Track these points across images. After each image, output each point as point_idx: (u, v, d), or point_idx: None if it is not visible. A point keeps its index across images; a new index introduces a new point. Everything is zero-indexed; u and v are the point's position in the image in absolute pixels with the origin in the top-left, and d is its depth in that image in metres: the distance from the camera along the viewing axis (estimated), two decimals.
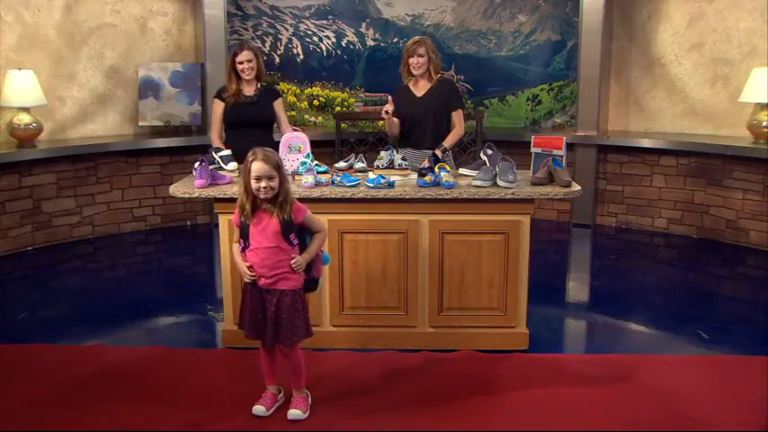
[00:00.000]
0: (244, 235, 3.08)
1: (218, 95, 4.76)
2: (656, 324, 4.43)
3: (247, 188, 3.03)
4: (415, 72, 4.56)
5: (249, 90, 4.70)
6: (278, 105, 4.81)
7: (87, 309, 4.70)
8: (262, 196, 3.01)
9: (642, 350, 4.02)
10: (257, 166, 2.97)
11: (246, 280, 3.11)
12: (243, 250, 3.10)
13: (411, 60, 4.53)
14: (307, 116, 7.15)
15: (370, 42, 7.20)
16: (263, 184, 2.97)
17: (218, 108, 4.74)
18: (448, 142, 4.54)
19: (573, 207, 6.74)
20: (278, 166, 3.01)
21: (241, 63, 4.62)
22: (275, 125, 4.86)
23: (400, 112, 4.62)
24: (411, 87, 4.66)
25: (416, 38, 4.62)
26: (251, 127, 4.60)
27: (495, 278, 3.84)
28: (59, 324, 4.43)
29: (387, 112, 4.46)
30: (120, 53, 6.50)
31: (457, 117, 4.65)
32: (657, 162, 6.40)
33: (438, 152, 4.40)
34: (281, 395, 3.29)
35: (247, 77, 4.65)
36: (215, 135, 4.79)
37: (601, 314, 4.66)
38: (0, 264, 5.54)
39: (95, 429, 3.10)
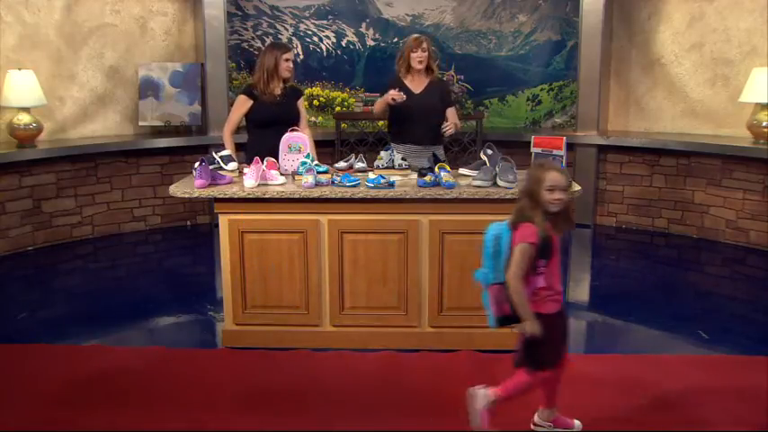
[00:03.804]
0: (546, 254, 2.83)
1: (249, 93, 4.66)
2: (656, 324, 4.43)
3: (536, 199, 2.81)
4: (417, 66, 4.63)
5: (276, 89, 4.69)
6: (301, 104, 4.83)
7: (87, 309, 4.69)
8: (554, 209, 2.81)
9: (642, 350, 4.03)
10: (554, 176, 2.80)
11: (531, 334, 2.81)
12: (544, 267, 2.83)
13: (413, 55, 4.62)
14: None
15: (370, 42, 7.20)
16: (556, 195, 2.80)
17: (244, 104, 4.65)
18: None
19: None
20: (569, 179, 2.89)
21: (288, 60, 4.62)
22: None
23: (397, 105, 4.64)
24: (407, 83, 4.70)
25: (416, 34, 4.74)
26: (278, 126, 4.54)
27: None
28: (59, 324, 4.42)
29: (394, 99, 4.50)
30: (120, 53, 6.50)
31: (451, 112, 4.76)
32: (657, 162, 6.40)
33: (451, 122, 4.52)
34: None
35: (288, 75, 4.66)
36: (228, 130, 4.72)
37: (601, 314, 4.67)
38: (0, 264, 5.54)
39: (95, 429, 3.10)
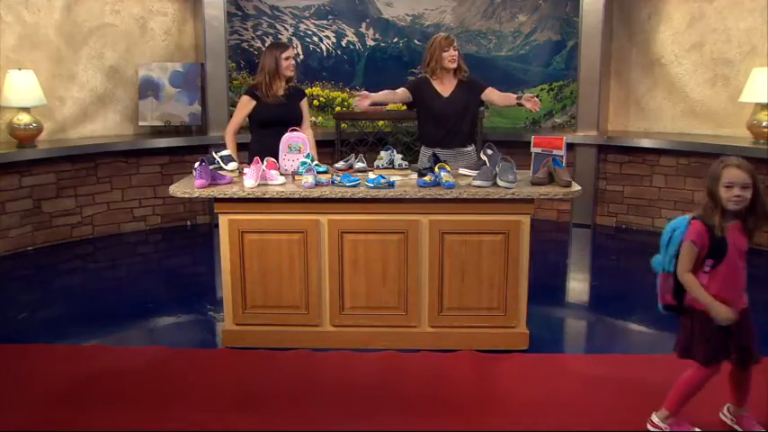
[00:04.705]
0: (716, 254, 2.81)
1: (252, 93, 4.66)
2: (656, 324, 4.42)
3: (715, 198, 2.77)
4: (450, 66, 4.41)
5: (279, 90, 4.69)
6: (304, 104, 4.82)
7: (87, 309, 4.69)
8: (733, 207, 2.75)
9: (642, 350, 4.03)
10: (732, 173, 2.75)
11: (727, 322, 2.80)
12: (712, 268, 2.82)
13: (446, 54, 4.38)
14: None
15: (370, 42, 7.20)
16: (735, 192, 2.73)
17: (248, 105, 4.66)
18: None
19: (573, 207, 6.74)
20: (754, 175, 2.78)
21: (288, 59, 4.62)
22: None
23: (425, 106, 4.52)
24: (435, 85, 4.50)
25: (444, 33, 4.52)
26: (281, 126, 4.52)
27: (495, 278, 3.84)
28: (59, 324, 4.42)
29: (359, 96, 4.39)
30: (120, 53, 6.51)
31: (492, 91, 4.50)
32: (657, 162, 6.40)
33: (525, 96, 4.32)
34: None
35: (291, 74, 4.66)
36: (231, 131, 4.73)
37: (601, 314, 4.67)
38: (0, 264, 5.54)
39: (95, 430, 3.10)
